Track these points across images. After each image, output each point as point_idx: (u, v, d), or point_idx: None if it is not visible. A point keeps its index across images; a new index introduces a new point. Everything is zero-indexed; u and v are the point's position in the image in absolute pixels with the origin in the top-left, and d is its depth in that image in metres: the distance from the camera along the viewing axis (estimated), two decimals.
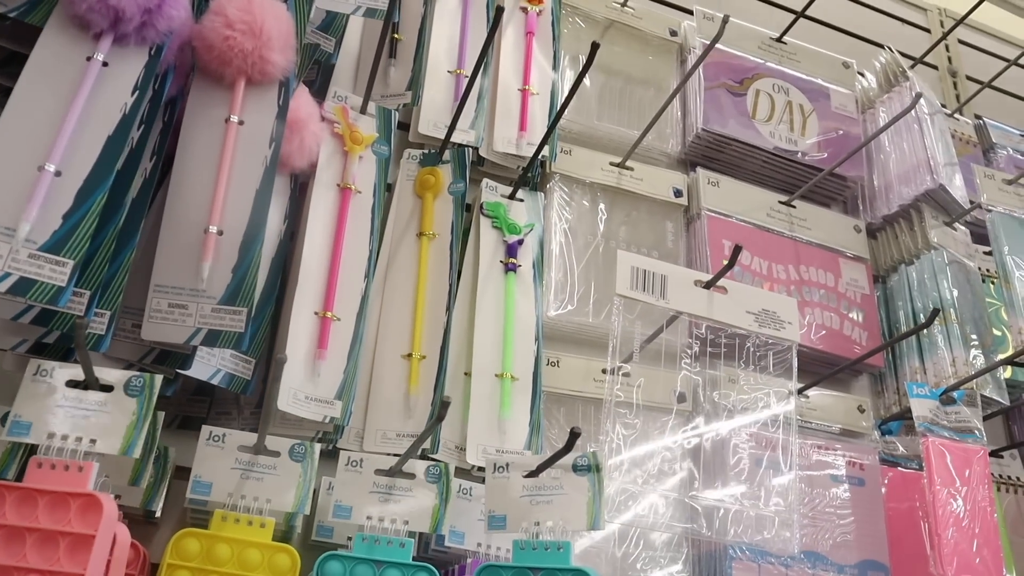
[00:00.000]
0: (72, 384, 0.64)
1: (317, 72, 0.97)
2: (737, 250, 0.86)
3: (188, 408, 0.83)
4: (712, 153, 1.20)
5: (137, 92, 0.68)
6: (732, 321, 0.89)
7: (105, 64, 0.68)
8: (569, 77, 1.15)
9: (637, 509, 0.87)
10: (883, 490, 1.03)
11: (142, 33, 0.69)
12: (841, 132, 1.28)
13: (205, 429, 0.71)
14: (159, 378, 0.64)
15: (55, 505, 0.59)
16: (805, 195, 1.21)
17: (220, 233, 0.70)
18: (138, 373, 0.64)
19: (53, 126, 0.64)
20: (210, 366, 0.75)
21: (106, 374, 0.64)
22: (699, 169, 1.17)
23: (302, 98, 0.82)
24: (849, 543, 0.98)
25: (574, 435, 0.64)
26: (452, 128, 0.93)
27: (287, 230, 0.83)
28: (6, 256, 0.60)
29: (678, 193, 1.14)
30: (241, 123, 0.76)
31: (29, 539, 0.58)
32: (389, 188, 0.95)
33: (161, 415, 0.73)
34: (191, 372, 0.72)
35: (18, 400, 0.62)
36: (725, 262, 0.88)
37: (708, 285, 0.89)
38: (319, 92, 0.93)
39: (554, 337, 0.98)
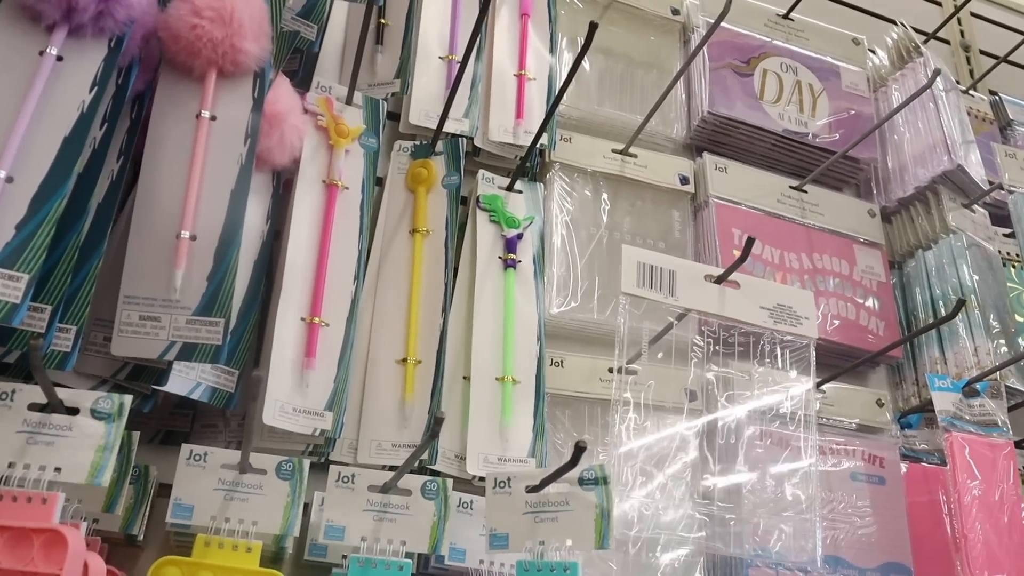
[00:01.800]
0: (35, 407, 0.59)
1: (300, 61, 0.92)
2: (750, 243, 0.82)
3: (171, 422, 0.79)
4: (719, 137, 1.15)
5: (96, 88, 0.63)
6: (746, 318, 0.84)
7: (60, 59, 0.63)
8: (567, 61, 1.09)
9: (646, 516, 0.82)
10: (903, 486, 0.98)
11: (99, 24, 0.64)
12: (853, 112, 1.23)
13: (185, 448, 0.67)
14: (128, 399, 0.59)
15: (17, 542, 0.54)
16: (817, 179, 1.16)
17: (193, 238, 0.66)
18: (106, 394, 0.59)
19: (3, 127, 0.59)
20: (189, 380, 0.71)
21: (71, 396, 0.59)
22: (706, 155, 1.12)
23: (281, 89, 0.77)
24: (871, 544, 0.94)
25: (579, 450, 0.60)
26: (444, 117, 0.89)
27: (270, 230, 0.79)
28: None
29: (684, 180, 1.09)
30: (213, 118, 0.71)
31: None
32: (379, 183, 0.90)
33: (136, 435, 0.68)
34: (168, 387, 0.68)
35: None
36: (736, 252, 0.84)
37: (719, 280, 0.85)
38: (302, 83, 0.88)
39: (557, 336, 0.94)
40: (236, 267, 0.67)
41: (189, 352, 0.64)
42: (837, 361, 1.05)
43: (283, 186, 0.82)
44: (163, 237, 0.65)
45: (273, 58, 0.76)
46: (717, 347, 0.90)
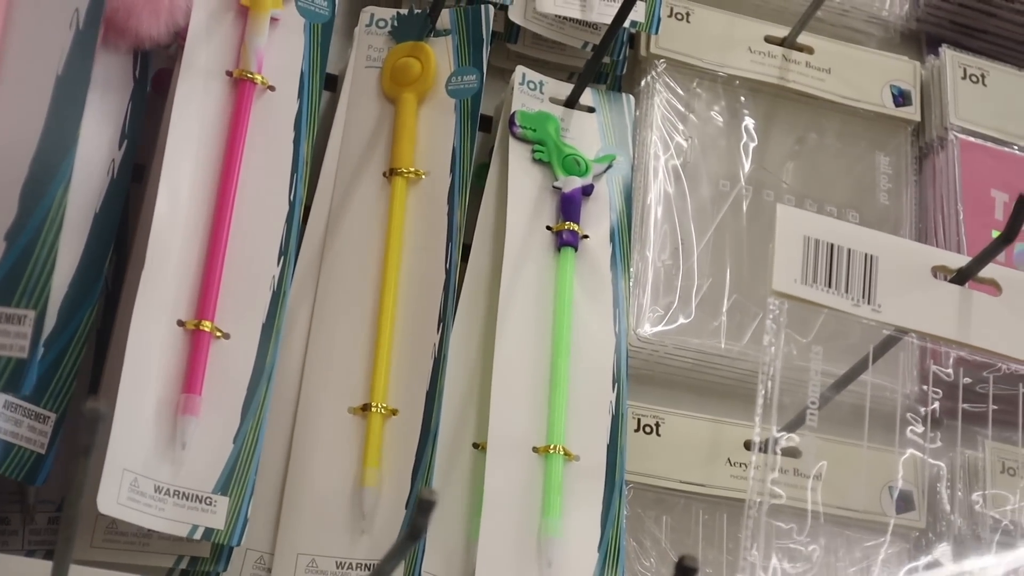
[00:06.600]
0: None
1: None
2: (1021, 206, 0.53)
3: None
4: (968, 17, 0.81)
5: None
6: (1010, 349, 0.57)
7: None
8: None
9: None
10: None
11: None
12: None
13: None
14: None
15: None
16: None
17: None
18: None
19: None
20: None
21: None
22: (945, 50, 0.78)
23: None
24: None
25: (686, 571, 0.36)
26: None
27: (125, 160, 0.57)
28: None
29: (901, 97, 0.77)
30: None
31: None
32: (331, 83, 0.65)
33: None
34: None
35: None
36: (996, 233, 0.57)
37: (963, 277, 0.57)
38: None
39: (652, 377, 0.66)
40: (60, 221, 0.46)
41: None
42: None
43: (153, 81, 0.60)
44: None
45: None
46: (953, 405, 0.59)
